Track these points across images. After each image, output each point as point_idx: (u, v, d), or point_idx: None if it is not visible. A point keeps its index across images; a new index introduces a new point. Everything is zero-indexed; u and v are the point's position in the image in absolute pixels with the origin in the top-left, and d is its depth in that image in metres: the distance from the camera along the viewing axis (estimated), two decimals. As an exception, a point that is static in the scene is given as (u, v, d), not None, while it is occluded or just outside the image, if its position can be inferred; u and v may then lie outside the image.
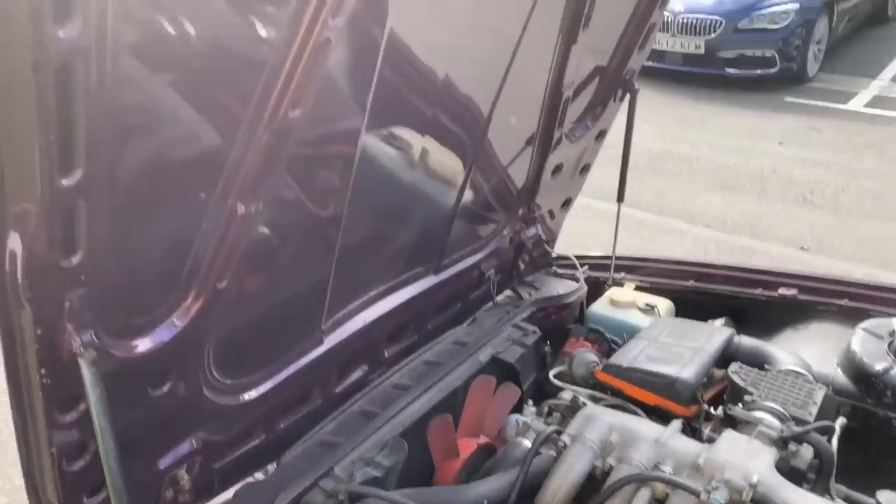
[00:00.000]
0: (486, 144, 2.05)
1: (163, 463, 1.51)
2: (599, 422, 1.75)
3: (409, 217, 1.97)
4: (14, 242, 1.00)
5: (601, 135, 2.50)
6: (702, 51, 8.49)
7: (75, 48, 0.91)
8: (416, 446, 1.77)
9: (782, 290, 2.46)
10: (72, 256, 1.07)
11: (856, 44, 9.80)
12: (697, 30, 8.46)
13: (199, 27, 1.10)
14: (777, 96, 8.34)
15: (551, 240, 2.72)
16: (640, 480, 1.61)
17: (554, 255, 2.75)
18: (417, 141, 1.80)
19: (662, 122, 7.63)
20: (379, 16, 1.42)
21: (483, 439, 1.96)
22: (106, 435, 1.20)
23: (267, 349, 1.69)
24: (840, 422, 1.93)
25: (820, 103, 8.17)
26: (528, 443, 1.80)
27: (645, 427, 1.77)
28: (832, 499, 1.73)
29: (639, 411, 1.95)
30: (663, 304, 2.50)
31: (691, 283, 2.62)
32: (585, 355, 2.18)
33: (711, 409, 1.96)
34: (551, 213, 2.61)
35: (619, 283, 2.68)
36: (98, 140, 1.01)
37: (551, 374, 2.19)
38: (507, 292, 2.55)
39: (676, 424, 1.79)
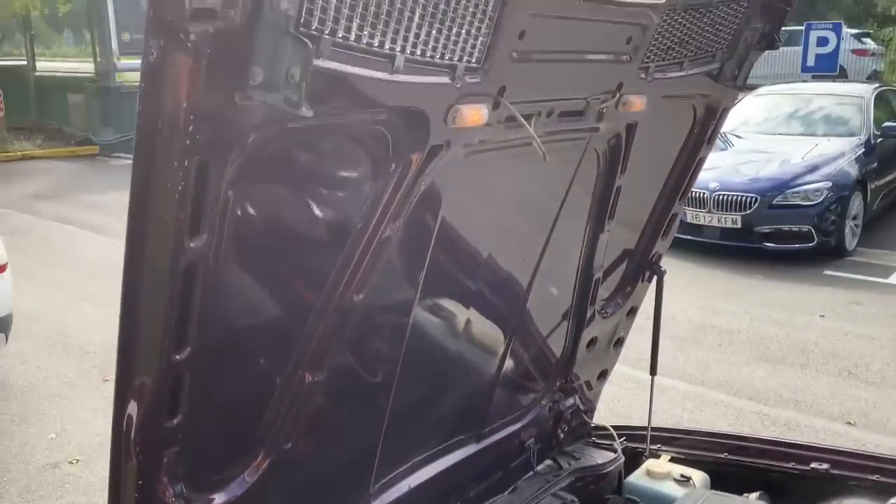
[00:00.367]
0: (524, 318, 2.26)
1: None
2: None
3: (453, 385, 2.16)
4: (132, 408, 1.22)
5: (632, 311, 2.70)
6: (739, 225, 8.78)
7: (199, 255, 1.17)
8: None
9: (814, 465, 2.53)
10: (174, 418, 1.29)
11: (894, 219, 10.03)
12: (733, 206, 8.78)
13: (288, 236, 1.38)
14: (817, 270, 8.49)
15: (590, 410, 2.85)
16: None
17: (592, 424, 2.87)
18: (462, 314, 2.02)
19: (703, 294, 7.81)
20: (432, 213, 1.69)
21: None
22: None
23: None
24: None
25: (860, 277, 8.29)
26: None
27: None
28: None
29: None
30: (698, 476, 2.58)
31: (725, 455, 2.70)
32: (622, 525, 2.26)
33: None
34: (588, 385, 2.77)
35: (656, 455, 2.77)
36: (204, 324, 1.26)
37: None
38: (547, 461, 2.66)
39: None
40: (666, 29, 1.89)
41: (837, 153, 9.33)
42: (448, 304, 1.98)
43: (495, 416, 2.37)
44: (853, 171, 9.18)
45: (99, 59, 18.68)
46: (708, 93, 2.25)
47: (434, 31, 1.37)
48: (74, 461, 4.74)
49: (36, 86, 20.36)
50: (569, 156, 2.01)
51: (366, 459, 1.90)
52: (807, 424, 5.15)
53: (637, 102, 1.94)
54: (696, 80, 2.16)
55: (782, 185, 8.80)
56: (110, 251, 9.56)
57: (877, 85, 11.69)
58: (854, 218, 9.13)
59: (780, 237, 8.73)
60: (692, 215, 9.04)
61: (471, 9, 1.40)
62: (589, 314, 2.47)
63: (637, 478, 2.63)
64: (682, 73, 2.06)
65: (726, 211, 8.84)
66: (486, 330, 2.16)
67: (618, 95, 1.89)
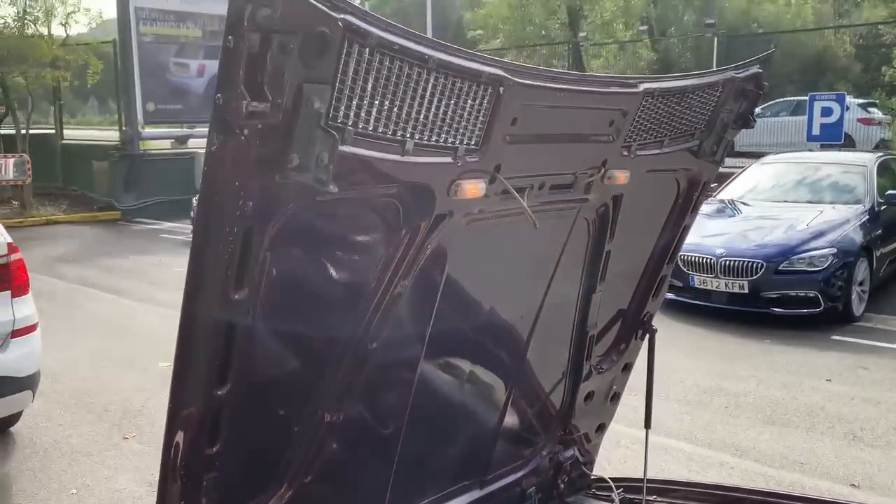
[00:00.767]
0: (524, 371, 2.46)
1: None
2: None
3: (457, 432, 2.35)
4: (179, 437, 1.44)
5: (627, 367, 2.89)
6: (746, 291, 8.91)
7: (241, 307, 1.41)
8: None
9: (808, 516, 2.67)
10: (213, 447, 1.50)
11: (901, 285, 10.16)
12: (740, 271, 8.95)
13: (313, 290, 1.61)
14: (824, 335, 8.60)
15: (589, 462, 3.01)
16: None
17: (592, 476, 3.03)
18: (465, 365, 2.23)
19: (711, 358, 7.93)
20: (438, 272, 1.92)
21: None
22: None
23: None
24: None
25: (867, 342, 8.38)
26: None
27: None
28: None
29: None
30: (693, 525, 2.73)
31: (720, 506, 2.85)
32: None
33: None
34: (587, 437, 2.94)
35: (653, 506, 2.92)
36: (242, 366, 1.48)
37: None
38: (548, 512, 2.82)
39: None
40: (645, 113, 2.14)
41: (842, 220, 9.52)
42: (452, 355, 2.19)
43: (498, 463, 2.55)
44: (858, 237, 9.34)
45: (124, 128, 19.36)
46: (689, 167, 2.49)
47: (438, 121, 1.62)
48: (95, 516, 4.88)
49: (62, 153, 21.07)
50: (561, 223, 2.24)
51: (377, 499, 2.08)
52: (811, 486, 5.23)
53: (621, 176, 2.19)
54: (678, 156, 2.41)
55: (788, 251, 8.97)
56: (131, 314, 9.85)
57: (880, 154, 11.95)
58: (860, 284, 9.26)
59: (787, 302, 8.85)
60: (700, 280, 9.22)
61: (469, 102, 1.66)
62: (585, 369, 2.67)
63: (634, 527, 2.78)
64: (663, 151, 2.30)
65: (733, 276, 9.00)
66: (488, 381, 2.36)
67: (603, 170, 2.14)
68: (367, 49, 1.38)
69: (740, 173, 11.79)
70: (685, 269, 9.29)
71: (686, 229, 2.67)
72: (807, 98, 15.80)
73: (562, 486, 2.86)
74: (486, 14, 35.04)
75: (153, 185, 18.38)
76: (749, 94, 2.44)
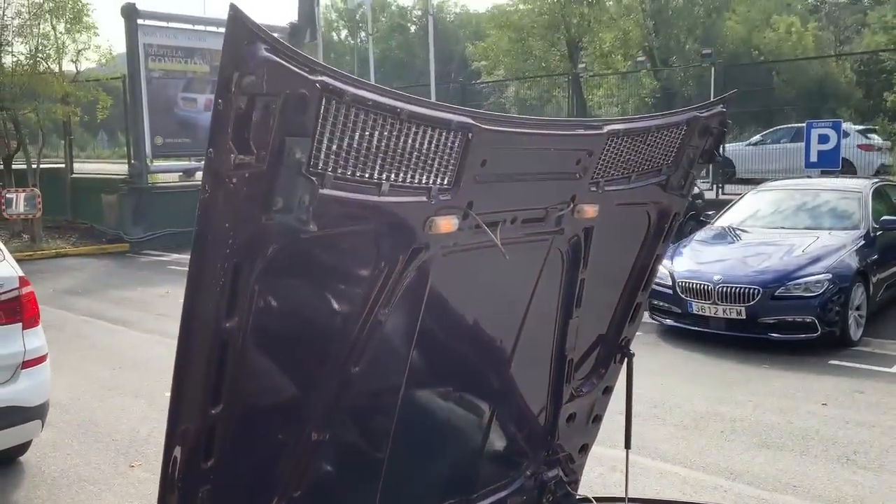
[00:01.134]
0: (506, 393, 2.61)
1: None
2: None
3: (442, 451, 2.49)
4: (177, 451, 1.60)
5: (607, 390, 3.03)
6: (743, 316, 9.02)
7: (232, 333, 1.57)
8: None
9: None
10: (208, 461, 1.65)
11: (898, 310, 10.24)
12: (737, 297, 9.06)
13: (299, 319, 1.78)
14: (822, 359, 8.69)
15: (573, 482, 3.14)
16: None
17: (578, 496, 3.15)
18: (447, 387, 2.38)
19: (709, 384, 8.03)
20: (417, 301, 2.08)
21: None
22: None
23: None
24: None
25: (864, 366, 8.47)
26: None
27: None
28: None
29: None
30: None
31: (698, 523, 2.97)
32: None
33: None
34: (571, 458, 3.07)
35: (634, 523, 3.04)
36: (234, 387, 1.64)
37: None
38: (534, 530, 2.94)
39: None
40: (611, 151, 2.31)
41: (838, 246, 9.65)
42: (435, 379, 2.35)
43: (483, 483, 2.68)
44: (854, 262, 9.46)
45: (133, 161, 19.69)
46: (659, 200, 2.66)
47: (412, 164, 1.80)
48: (101, 542, 5.00)
49: (72, 187, 21.41)
50: (536, 254, 2.40)
51: None
52: (803, 508, 5.31)
53: (590, 210, 2.35)
54: (647, 190, 2.57)
55: (783, 277, 9.09)
56: (138, 344, 10.02)
57: (875, 180, 12.11)
58: (858, 308, 9.35)
59: (784, 328, 8.95)
60: (698, 307, 9.34)
61: (441, 147, 1.83)
62: (566, 392, 2.81)
63: (615, 544, 2.90)
64: (631, 186, 2.47)
65: (730, 302, 9.10)
66: (471, 403, 2.51)
67: (572, 205, 2.30)
68: (344, 105, 1.56)
69: (737, 201, 11.96)
70: (683, 296, 9.43)
71: (659, 258, 2.83)
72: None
73: (547, 504, 2.98)
74: (486, 47, 35.60)
75: (161, 218, 18.65)
76: (713, 132, 2.61)
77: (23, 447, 5.97)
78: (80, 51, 19.72)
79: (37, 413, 5.55)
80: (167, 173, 21.28)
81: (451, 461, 2.53)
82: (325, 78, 1.49)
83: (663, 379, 8.06)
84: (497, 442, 2.69)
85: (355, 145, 1.64)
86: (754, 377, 8.25)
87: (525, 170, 2.10)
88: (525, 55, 33.51)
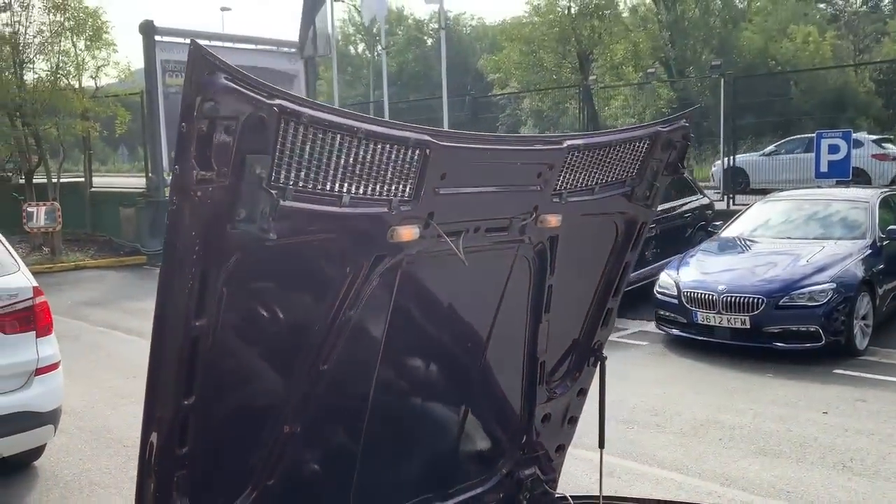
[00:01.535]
0: (478, 393, 2.75)
1: None
2: None
3: (416, 447, 2.63)
4: (154, 437, 1.76)
5: (582, 392, 3.16)
6: (748, 326, 9.05)
7: (202, 331, 1.73)
8: None
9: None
10: (183, 448, 1.81)
11: (906, 319, 10.23)
12: (741, 307, 9.10)
13: (267, 319, 1.93)
14: (826, 368, 8.71)
15: (551, 481, 3.26)
16: None
17: (557, 495, 3.28)
18: (419, 386, 2.52)
19: (711, 392, 8.09)
20: (384, 304, 2.23)
21: None
22: None
23: None
24: None
25: (869, 375, 8.48)
26: None
27: None
28: None
29: None
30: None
31: (672, 521, 3.08)
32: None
33: None
34: (548, 457, 3.20)
35: (609, 521, 3.16)
36: (205, 380, 1.80)
37: None
38: (512, 528, 3.07)
39: None
40: (572, 164, 2.45)
41: (844, 255, 9.66)
42: (406, 377, 2.49)
43: (458, 479, 2.82)
44: (859, 272, 9.46)
45: (150, 175, 20.02)
46: (624, 210, 2.79)
47: (372, 178, 1.96)
48: (109, 544, 5.18)
49: (91, 200, 21.81)
50: (502, 261, 2.55)
51: None
52: (796, 513, 5.38)
53: (553, 220, 2.49)
54: (612, 201, 2.71)
55: (787, 287, 9.11)
56: (152, 353, 10.23)
57: (883, 189, 12.11)
58: (864, 318, 9.35)
59: (789, 337, 8.96)
60: (703, 316, 9.39)
61: (400, 162, 1.99)
62: (539, 392, 2.94)
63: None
64: (595, 197, 2.61)
65: (735, 312, 9.14)
66: (443, 402, 2.65)
67: (535, 215, 2.44)
68: (302, 125, 1.73)
69: (745, 211, 12.01)
70: (689, 306, 9.49)
71: (628, 265, 2.96)
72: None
73: (524, 502, 3.11)
74: (498, 59, 35.82)
75: (179, 230, 18.85)
76: (677, 145, 2.74)
77: (37, 452, 6.17)
78: (99, 67, 20.16)
79: (49, 418, 5.75)
80: (185, 186, 21.51)
81: (426, 457, 2.67)
82: (282, 101, 1.65)
83: (666, 388, 8.14)
84: (472, 439, 2.83)
85: (315, 161, 1.80)
86: (757, 386, 8.29)
87: (486, 182, 2.25)
88: (536, 67, 33.69)
